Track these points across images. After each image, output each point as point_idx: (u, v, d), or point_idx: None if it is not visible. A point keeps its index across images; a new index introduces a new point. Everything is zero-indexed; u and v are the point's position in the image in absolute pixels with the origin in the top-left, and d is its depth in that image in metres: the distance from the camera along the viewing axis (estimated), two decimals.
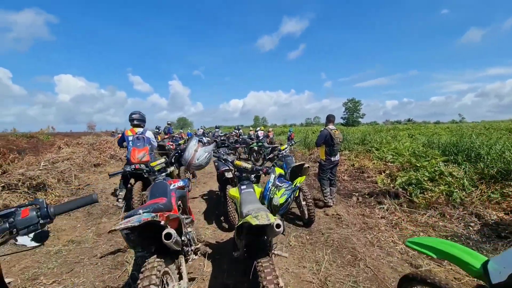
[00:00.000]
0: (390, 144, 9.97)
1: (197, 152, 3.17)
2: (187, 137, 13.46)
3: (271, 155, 5.83)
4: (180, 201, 2.47)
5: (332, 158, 4.71)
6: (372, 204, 5.04)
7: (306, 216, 3.87)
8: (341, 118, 75.68)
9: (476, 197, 4.64)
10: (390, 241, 3.56)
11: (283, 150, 5.57)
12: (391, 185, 5.97)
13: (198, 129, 16.49)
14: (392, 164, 7.48)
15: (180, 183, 2.64)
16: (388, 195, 5.25)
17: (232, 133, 15.38)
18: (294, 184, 2.52)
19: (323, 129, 4.76)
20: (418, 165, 6.18)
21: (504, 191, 4.51)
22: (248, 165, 2.92)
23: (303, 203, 3.94)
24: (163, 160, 3.37)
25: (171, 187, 2.49)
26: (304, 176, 2.93)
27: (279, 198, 2.37)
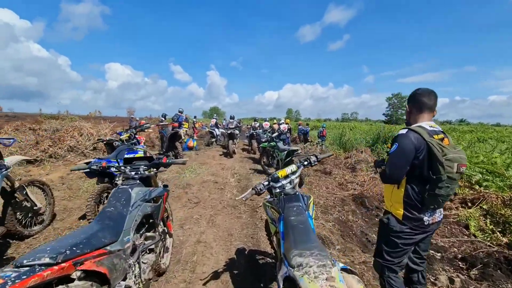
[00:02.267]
0: (473, 153, 6.73)
1: None
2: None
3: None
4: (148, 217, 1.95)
5: (423, 216, 1.67)
6: None
7: None
8: (383, 114, 69.07)
9: None
10: None
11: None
12: (502, 237, 3.16)
13: (211, 119, 14.46)
14: (486, 190, 4.50)
15: (153, 193, 1.97)
16: (502, 262, 2.50)
17: (249, 126, 13.04)
18: None
19: (403, 130, 1.66)
20: None
21: None
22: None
23: None
24: None
25: (136, 197, 1.80)
26: None
27: None
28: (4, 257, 2.45)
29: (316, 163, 2.11)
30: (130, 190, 1.82)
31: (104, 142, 3.92)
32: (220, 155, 9.71)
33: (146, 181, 2.17)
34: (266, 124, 11.96)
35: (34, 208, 2.84)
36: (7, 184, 2.62)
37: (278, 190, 1.94)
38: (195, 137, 15.94)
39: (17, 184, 2.65)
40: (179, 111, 11.66)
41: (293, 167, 2.02)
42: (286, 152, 5.85)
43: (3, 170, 2.42)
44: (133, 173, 2.04)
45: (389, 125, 44.01)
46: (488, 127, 25.97)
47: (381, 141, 12.90)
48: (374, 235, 3.69)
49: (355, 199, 5.35)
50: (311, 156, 2.12)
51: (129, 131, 4.17)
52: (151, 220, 1.99)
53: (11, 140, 2.59)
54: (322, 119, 74.17)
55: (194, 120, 18.11)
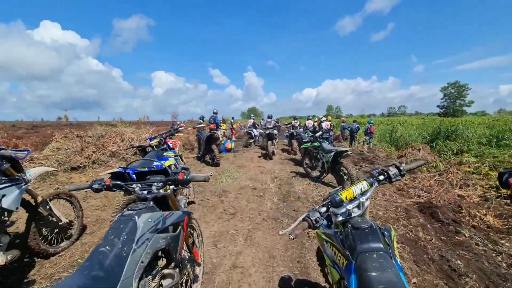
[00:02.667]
0: None
1: None
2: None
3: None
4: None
5: None
6: None
7: None
8: (438, 106, 61.80)
9: None
10: None
11: None
12: None
13: (249, 119, 14.07)
14: None
15: (168, 219, 1.47)
16: None
17: (289, 123, 12.31)
18: None
19: None
20: None
21: None
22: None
23: None
24: None
25: (144, 228, 1.32)
26: None
27: None
28: (25, 280, 2.23)
29: (399, 178, 1.40)
30: (136, 218, 1.34)
31: (135, 147, 3.69)
32: (259, 157, 9.22)
33: (163, 203, 1.69)
34: (309, 123, 11.13)
35: (60, 223, 2.62)
36: (31, 199, 2.42)
37: (341, 219, 1.29)
38: (233, 138, 15.78)
39: (40, 199, 2.44)
40: (214, 112, 11.49)
41: (363, 185, 1.34)
42: (333, 153, 5.06)
43: (22, 184, 2.20)
44: (145, 192, 1.58)
45: (446, 117, 39.07)
46: None
47: (442, 137, 11.11)
48: (458, 261, 2.78)
49: (422, 209, 4.36)
50: (390, 168, 1.42)
51: (158, 136, 3.89)
52: (168, 255, 1.50)
53: (25, 152, 2.39)
54: (366, 115, 69.53)
55: (232, 121, 18.01)
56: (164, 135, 4.03)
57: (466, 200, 4.74)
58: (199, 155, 8.19)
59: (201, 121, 11.38)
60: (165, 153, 3.36)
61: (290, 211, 3.92)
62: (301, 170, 6.89)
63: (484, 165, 6.76)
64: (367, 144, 13.19)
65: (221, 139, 10.99)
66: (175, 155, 4.95)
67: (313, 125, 9.74)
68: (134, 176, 1.79)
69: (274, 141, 9.52)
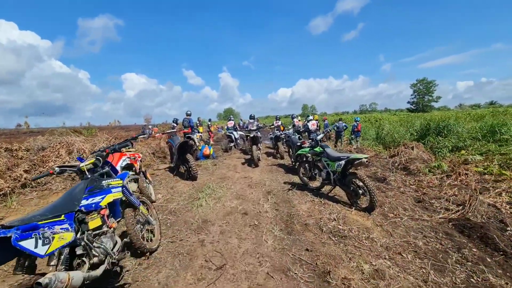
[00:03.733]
0: None
1: None
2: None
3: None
4: None
5: None
6: None
7: None
8: (408, 102, 64.51)
9: None
10: None
11: None
12: None
13: (228, 120, 12.76)
14: None
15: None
16: None
17: (272, 124, 11.18)
18: None
19: None
20: None
21: None
22: None
23: None
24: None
25: None
26: None
27: None
28: None
29: None
30: None
31: (55, 174, 2.27)
32: (243, 163, 7.97)
33: None
34: (298, 122, 10.07)
35: None
36: None
37: None
38: (211, 142, 14.37)
39: None
40: (187, 114, 10.06)
41: None
42: (343, 162, 3.97)
43: None
44: None
45: (417, 113, 40.37)
46: None
47: (433, 133, 10.64)
48: None
49: (462, 229, 3.40)
50: None
51: (95, 154, 2.49)
52: None
53: None
54: (340, 112, 70.83)
55: (209, 123, 16.56)
56: (104, 150, 2.60)
57: (501, 211, 3.91)
58: (172, 165, 6.76)
59: (175, 125, 9.86)
60: (104, 182, 2.03)
61: (302, 251, 2.74)
62: (295, 179, 5.77)
63: (494, 163, 6.13)
64: (355, 143, 12.47)
65: (197, 144, 9.58)
66: (131, 179, 3.56)
67: (305, 124, 8.72)
68: None
69: (259, 145, 8.33)
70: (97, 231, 1.90)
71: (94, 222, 1.87)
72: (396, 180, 6.03)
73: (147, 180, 4.32)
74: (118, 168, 3.51)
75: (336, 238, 3.02)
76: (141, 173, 4.13)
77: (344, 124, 12.94)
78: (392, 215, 3.85)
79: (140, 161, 4.13)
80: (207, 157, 8.98)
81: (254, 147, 7.48)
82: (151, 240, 2.73)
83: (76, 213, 1.79)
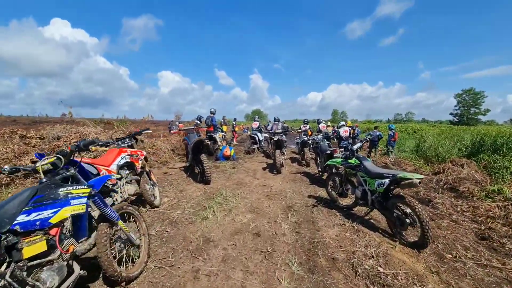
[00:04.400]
0: None
1: None
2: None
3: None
4: None
5: None
6: None
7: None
8: (451, 114, 59.18)
9: None
10: None
11: None
12: None
13: (253, 121, 12.13)
14: None
15: None
16: None
17: (299, 128, 10.34)
18: None
19: None
20: None
21: None
22: None
23: None
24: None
25: None
26: None
27: None
28: None
29: None
30: None
31: (4, 175, 1.80)
32: (264, 168, 7.29)
33: None
34: (324, 127, 9.20)
35: None
36: None
37: None
38: (234, 142, 13.88)
39: None
40: (211, 112, 9.62)
41: None
42: (388, 180, 3.11)
43: None
44: None
45: (460, 126, 36.58)
46: None
47: (487, 149, 9.07)
48: None
49: None
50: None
51: (57, 153, 1.92)
52: None
53: None
54: (372, 120, 67.02)
55: (234, 123, 16.12)
56: (67, 152, 1.96)
57: None
58: (187, 164, 6.30)
59: (198, 122, 9.49)
60: (62, 190, 1.48)
61: None
62: (322, 193, 4.96)
63: None
64: (390, 154, 11.16)
65: (219, 143, 9.09)
66: (130, 180, 3.08)
67: (335, 130, 7.82)
68: None
69: (283, 149, 7.59)
70: (38, 261, 1.34)
71: (32, 248, 1.32)
72: (444, 204, 4.95)
73: (151, 182, 3.83)
74: (114, 166, 3.03)
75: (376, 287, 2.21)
76: (144, 173, 3.63)
77: (379, 133, 11.66)
78: (450, 256, 2.91)
79: (145, 159, 3.63)
80: (227, 158, 8.45)
81: (278, 151, 6.77)
82: (133, 261, 2.16)
83: (4, 235, 1.25)
